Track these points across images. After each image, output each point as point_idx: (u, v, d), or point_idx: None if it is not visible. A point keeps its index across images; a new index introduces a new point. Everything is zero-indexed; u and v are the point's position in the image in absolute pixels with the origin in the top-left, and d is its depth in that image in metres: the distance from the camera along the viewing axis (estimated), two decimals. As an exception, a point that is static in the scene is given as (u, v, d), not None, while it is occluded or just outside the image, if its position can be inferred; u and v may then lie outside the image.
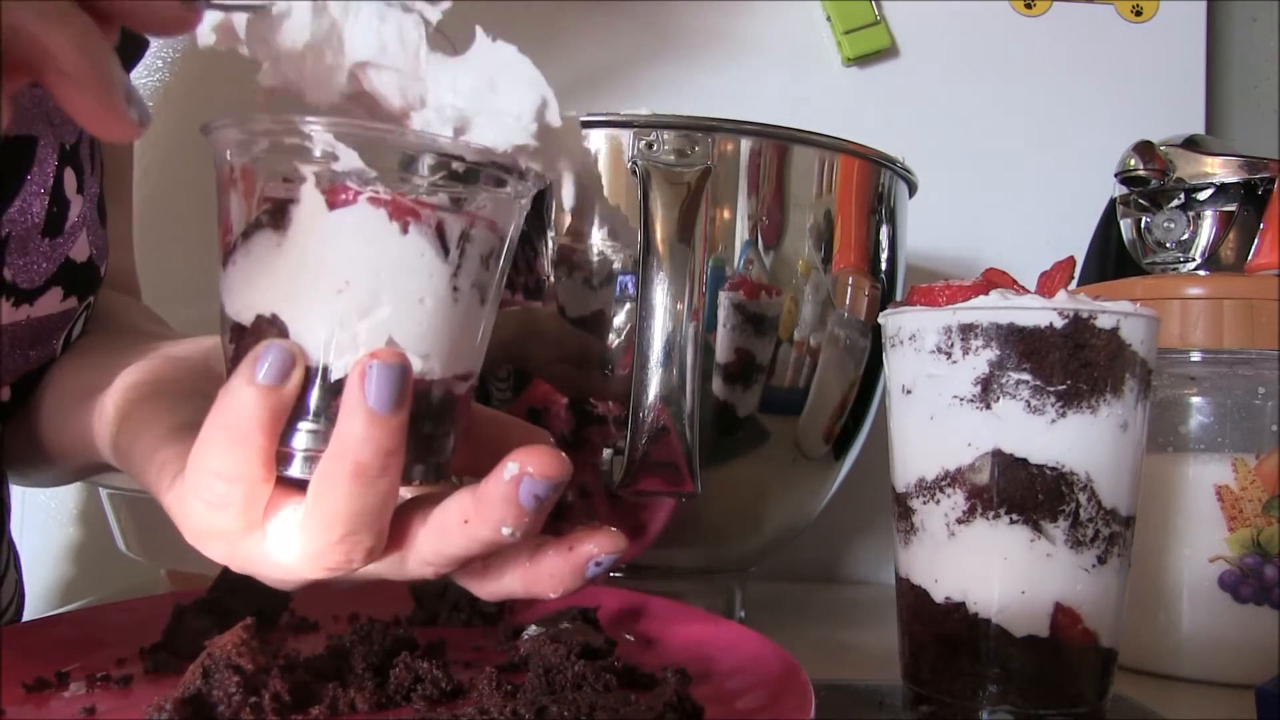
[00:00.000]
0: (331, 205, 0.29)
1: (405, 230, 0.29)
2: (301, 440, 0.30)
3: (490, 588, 0.34)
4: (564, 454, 0.30)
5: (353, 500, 0.29)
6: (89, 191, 0.50)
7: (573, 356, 0.55)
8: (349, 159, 0.29)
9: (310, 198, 0.29)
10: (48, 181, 0.47)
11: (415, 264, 0.29)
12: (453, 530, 0.31)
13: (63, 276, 0.49)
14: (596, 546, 0.32)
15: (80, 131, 0.50)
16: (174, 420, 0.34)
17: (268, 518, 0.31)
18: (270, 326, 0.30)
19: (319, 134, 0.29)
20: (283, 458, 0.30)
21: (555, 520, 0.58)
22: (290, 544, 0.30)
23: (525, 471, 0.29)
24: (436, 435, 0.31)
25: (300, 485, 0.30)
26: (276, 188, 0.30)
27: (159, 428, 0.34)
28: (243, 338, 0.30)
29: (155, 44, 0.83)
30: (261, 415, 0.29)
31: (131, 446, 0.35)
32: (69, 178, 0.49)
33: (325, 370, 0.29)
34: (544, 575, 0.33)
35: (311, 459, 0.30)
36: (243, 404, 0.29)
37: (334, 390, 0.29)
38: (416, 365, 0.30)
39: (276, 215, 0.29)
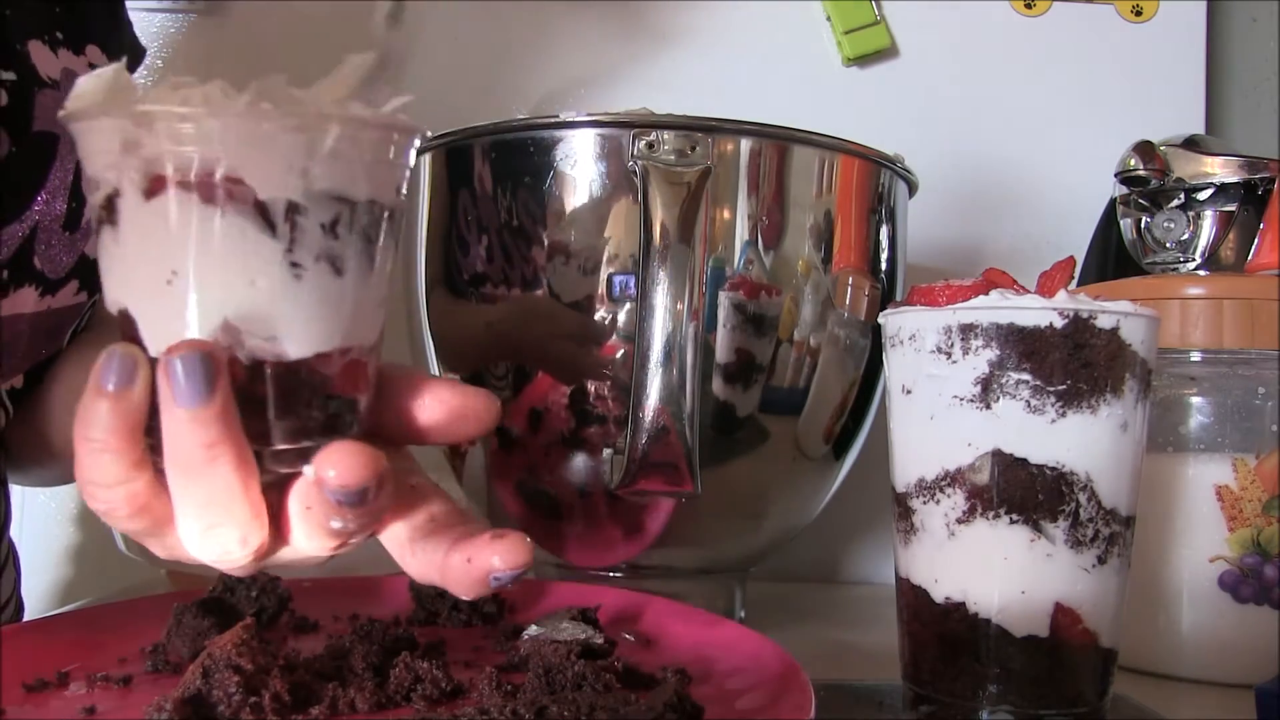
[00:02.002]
0: (147, 195, 0.28)
1: (222, 212, 0.28)
2: None
3: (414, 574, 0.33)
4: (372, 450, 0.28)
5: (192, 494, 0.29)
6: None
7: (571, 333, 0.54)
8: (153, 144, 0.28)
9: (129, 190, 0.29)
10: (68, 177, 0.49)
11: (241, 245, 0.28)
12: (302, 517, 0.31)
13: (80, 270, 0.51)
14: (499, 560, 0.31)
15: None
16: None
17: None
18: (127, 321, 0.30)
19: (117, 122, 0.28)
20: (157, 452, 0.30)
21: (554, 520, 0.59)
22: (184, 538, 0.31)
23: (323, 475, 0.28)
24: (313, 420, 0.30)
25: None
26: (109, 178, 0.29)
27: None
28: (116, 330, 0.30)
29: (151, 46, 0.83)
30: (114, 422, 0.29)
31: None
32: None
33: None
34: (451, 579, 0.32)
35: None
36: (97, 415, 0.29)
37: None
38: (264, 348, 0.29)
39: (109, 209, 0.29)
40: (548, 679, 0.36)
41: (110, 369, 0.29)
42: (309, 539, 0.31)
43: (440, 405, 0.33)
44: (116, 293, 0.30)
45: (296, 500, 0.31)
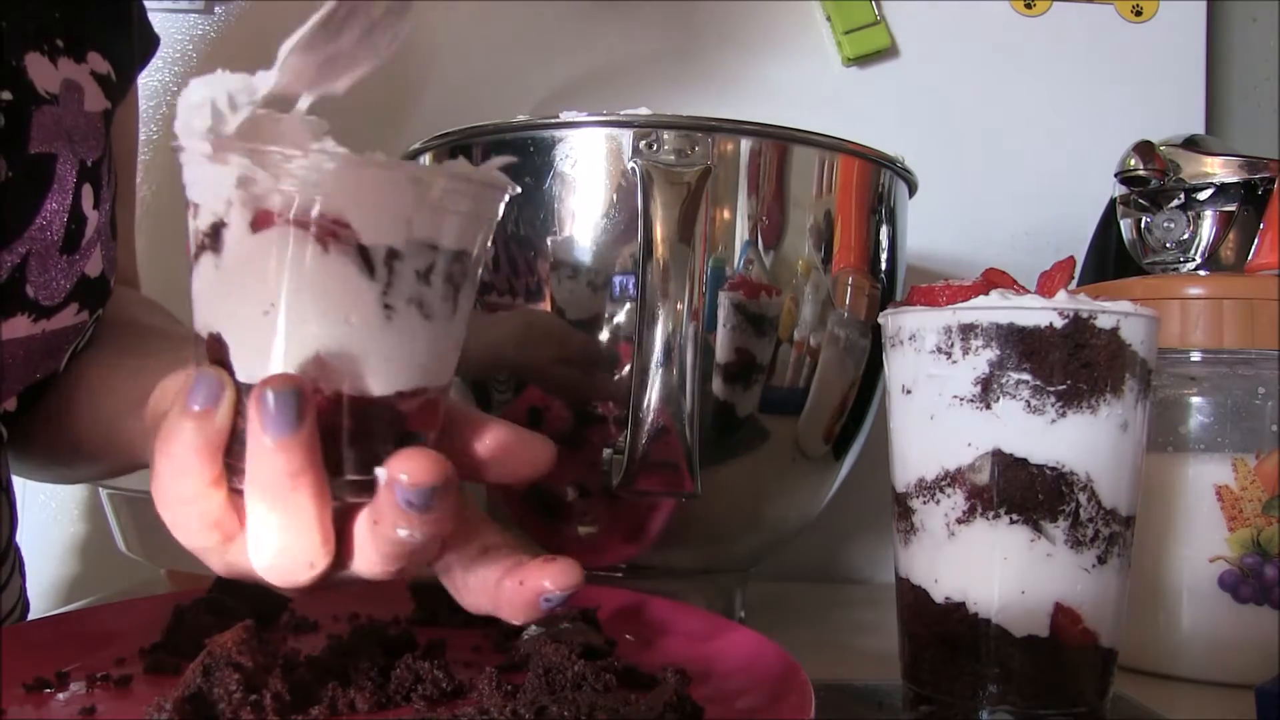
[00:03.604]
0: (254, 228, 0.30)
1: (326, 250, 0.29)
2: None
3: (467, 603, 0.35)
4: (441, 457, 0.30)
5: (270, 517, 0.30)
6: (103, 207, 0.51)
7: (574, 357, 0.54)
8: (267, 182, 0.29)
9: (237, 223, 0.30)
10: (67, 199, 0.48)
11: (340, 284, 0.30)
12: (370, 532, 0.32)
13: (79, 292, 0.50)
14: (550, 582, 0.32)
15: (101, 149, 0.51)
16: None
17: (243, 528, 0.32)
18: (218, 345, 0.31)
19: (238, 159, 0.29)
20: (235, 471, 0.31)
21: (555, 520, 0.59)
22: (252, 555, 0.32)
23: (395, 479, 0.29)
24: (385, 449, 0.31)
25: None
26: (218, 209, 0.30)
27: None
28: (202, 351, 0.32)
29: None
30: (197, 442, 0.30)
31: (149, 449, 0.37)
32: (87, 194, 0.49)
33: None
34: (503, 603, 0.33)
35: None
36: (181, 433, 0.30)
37: None
38: (347, 384, 0.30)
39: (214, 237, 0.30)
40: (548, 679, 0.36)
41: (198, 390, 0.30)
42: (371, 559, 0.32)
43: (500, 448, 0.34)
44: (210, 317, 0.31)
45: (364, 520, 0.32)
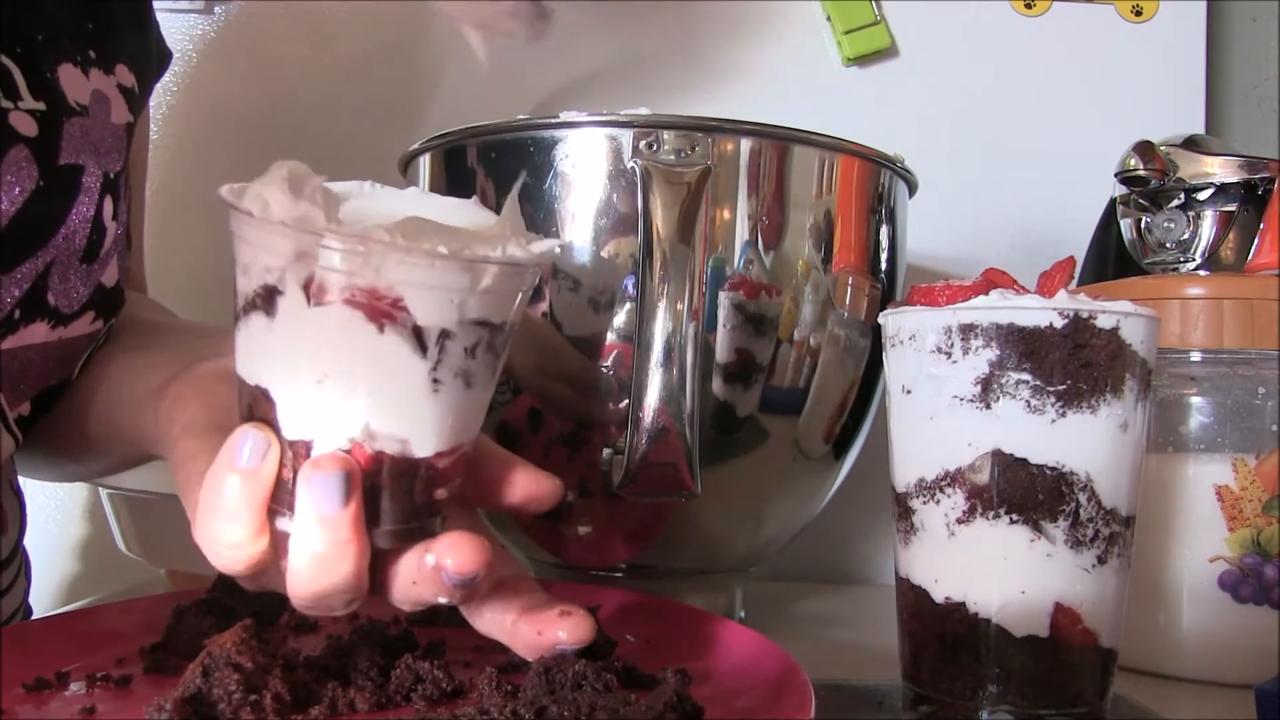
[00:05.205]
0: (311, 301, 0.30)
1: (381, 330, 0.30)
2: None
3: (480, 629, 0.37)
4: (485, 544, 0.33)
5: (317, 581, 0.32)
6: (121, 218, 0.51)
7: (567, 373, 0.55)
8: (329, 260, 0.30)
9: (293, 292, 0.31)
10: (91, 210, 0.48)
11: (392, 361, 0.31)
12: (408, 586, 0.34)
13: (95, 301, 0.50)
14: (565, 634, 0.36)
15: (123, 161, 0.51)
16: (197, 416, 0.37)
17: (280, 555, 0.34)
18: (265, 399, 0.32)
19: (293, 234, 0.30)
20: (276, 514, 0.33)
21: (555, 520, 0.59)
22: (291, 592, 0.34)
23: (442, 564, 0.32)
24: (419, 504, 0.33)
25: None
26: (271, 275, 0.31)
27: (177, 426, 0.38)
28: (246, 400, 0.33)
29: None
30: (245, 495, 0.32)
31: (163, 442, 0.39)
32: (108, 205, 0.50)
33: (309, 446, 0.32)
34: (519, 643, 0.36)
35: None
36: (228, 488, 0.32)
37: None
38: (394, 448, 0.32)
39: (267, 300, 0.31)
40: (548, 679, 0.36)
41: (244, 447, 0.32)
42: (402, 601, 0.35)
43: (511, 485, 0.37)
44: (260, 373, 0.32)
45: (405, 573, 0.34)
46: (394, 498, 0.33)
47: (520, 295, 0.33)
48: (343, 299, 0.30)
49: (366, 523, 0.32)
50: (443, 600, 0.34)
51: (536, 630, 0.36)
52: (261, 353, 0.32)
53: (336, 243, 0.30)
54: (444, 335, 0.31)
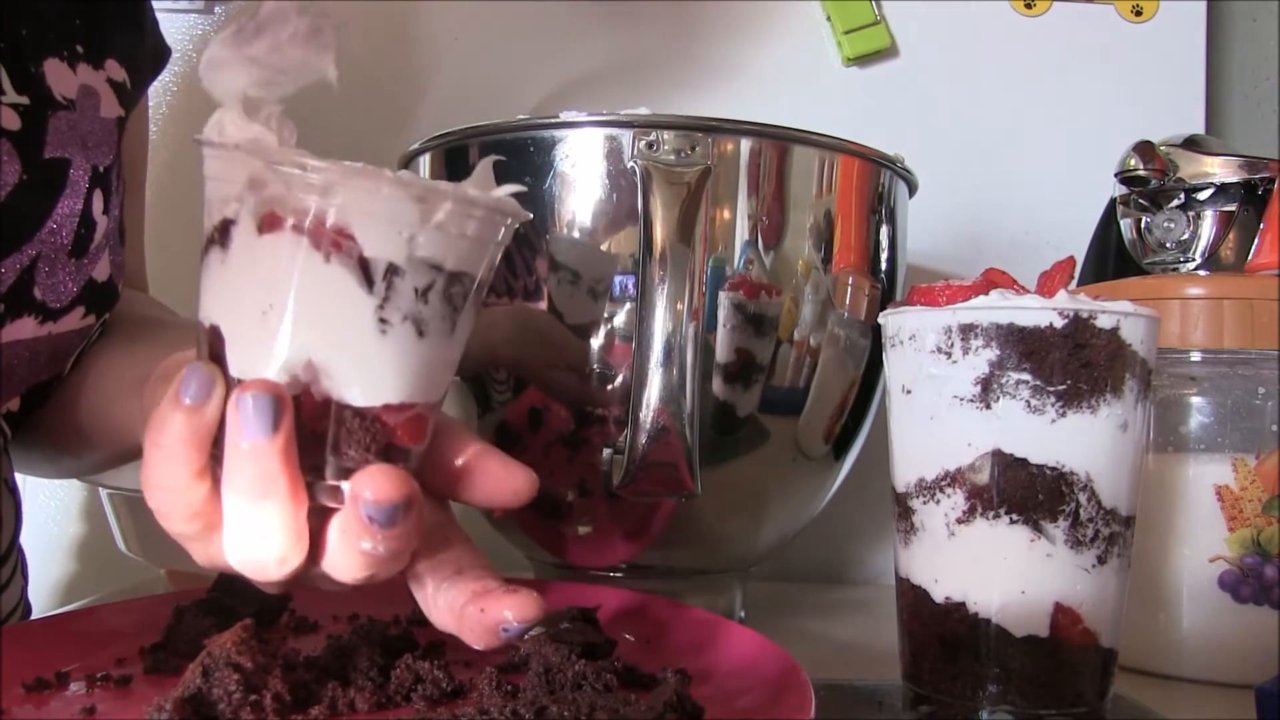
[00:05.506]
0: (261, 230, 0.30)
1: (327, 259, 0.30)
2: None
3: (434, 620, 0.35)
4: (407, 475, 0.31)
5: (243, 515, 0.31)
6: (113, 213, 0.51)
7: (573, 363, 0.54)
8: (278, 186, 0.29)
9: (245, 222, 0.30)
10: (78, 204, 0.48)
11: (338, 293, 0.30)
12: (339, 540, 0.32)
13: (85, 296, 0.50)
14: (510, 612, 0.33)
15: (114, 155, 0.51)
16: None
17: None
18: (216, 337, 0.32)
19: (251, 160, 0.30)
20: (220, 463, 0.32)
21: (554, 520, 0.59)
22: (227, 549, 0.33)
23: (359, 494, 0.30)
24: (367, 458, 0.32)
25: None
26: (229, 206, 0.31)
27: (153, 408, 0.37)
28: (202, 340, 0.32)
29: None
30: (186, 433, 0.31)
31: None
32: (97, 200, 0.49)
33: None
34: (465, 628, 0.34)
35: None
36: (171, 424, 0.31)
37: None
38: (336, 390, 0.31)
39: (223, 233, 0.31)
40: (548, 679, 0.36)
41: (190, 384, 0.31)
42: (339, 564, 0.33)
43: (482, 475, 0.36)
44: (212, 310, 0.32)
45: (336, 525, 0.32)
46: (338, 449, 0.31)
47: (480, 245, 0.32)
48: (290, 225, 0.30)
49: (308, 473, 0.31)
50: (366, 546, 0.31)
51: (479, 608, 0.33)
52: (215, 289, 0.32)
53: (285, 166, 0.29)
54: (391, 270, 0.30)
